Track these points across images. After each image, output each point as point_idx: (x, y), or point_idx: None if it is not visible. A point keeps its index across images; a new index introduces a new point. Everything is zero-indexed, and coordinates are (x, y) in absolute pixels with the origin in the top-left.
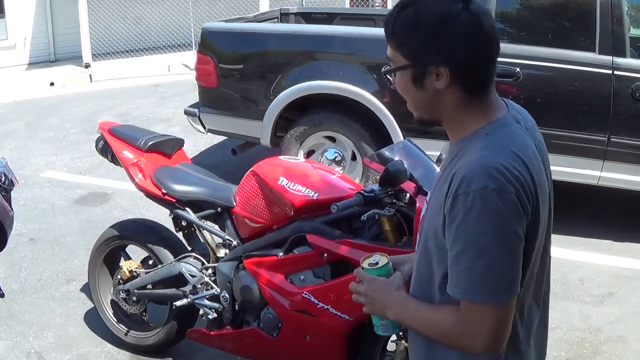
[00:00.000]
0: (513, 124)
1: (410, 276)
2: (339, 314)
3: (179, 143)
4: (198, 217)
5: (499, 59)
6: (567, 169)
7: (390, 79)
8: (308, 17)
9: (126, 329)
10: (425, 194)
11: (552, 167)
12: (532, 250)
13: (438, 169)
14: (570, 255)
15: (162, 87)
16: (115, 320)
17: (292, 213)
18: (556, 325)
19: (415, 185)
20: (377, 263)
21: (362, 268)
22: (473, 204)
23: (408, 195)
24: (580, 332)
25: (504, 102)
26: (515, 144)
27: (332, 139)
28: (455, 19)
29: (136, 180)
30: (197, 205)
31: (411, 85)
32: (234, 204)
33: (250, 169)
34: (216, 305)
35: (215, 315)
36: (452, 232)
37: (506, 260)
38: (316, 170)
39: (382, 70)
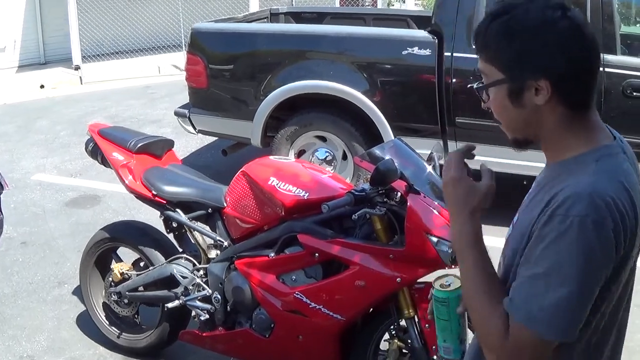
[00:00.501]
0: (620, 154)
1: None
2: (331, 313)
3: (169, 144)
4: (189, 218)
5: None
6: None
7: (483, 96)
8: (298, 16)
9: (118, 332)
10: (417, 192)
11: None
12: (611, 292)
13: (429, 168)
14: None
15: (152, 89)
16: (108, 322)
17: (283, 213)
18: None
19: (406, 184)
20: (449, 285)
21: (433, 288)
22: (569, 230)
23: (399, 194)
24: None
25: (608, 129)
26: (624, 176)
27: (323, 139)
28: (554, 26)
29: (126, 181)
30: (187, 206)
31: (507, 102)
32: (225, 204)
33: (241, 170)
34: (208, 306)
35: (207, 316)
36: (537, 251)
37: (581, 299)
38: (307, 170)
39: (475, 87)
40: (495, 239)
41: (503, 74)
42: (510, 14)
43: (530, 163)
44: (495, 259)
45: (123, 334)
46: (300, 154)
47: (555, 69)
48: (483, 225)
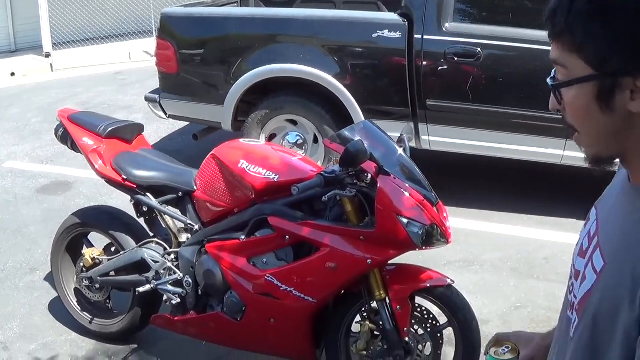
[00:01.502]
0: None
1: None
2: (302, 296)
3: (138, 128)
4: (159, 202)
5: (460, 40)
6: (531, 149)
7: (556, 96)
8: (268, 0)
9: (90, 317)
10: (387, 173)
11: (516, 147)
12: None
13: (400, 151)
14: (535, 235)
15: (123, 75)
16: (79, 308)
17: (253, 196)
18: (521, 304)
19: (376, 165)
20: (504, 354)
21: (487, 353)
22: None
23: (369, 175)
24: (546, 310)
25: None
26: None
27: (294, 122)
28: None
29: (96, 166)
30: (158, 190)
31: (595, 106)
32: (195, 188)
33: (211, 153)
34: (179, 290)
35: (178, 300)
36: None
37: None
38: (277, 152)
39: (550, 83)
40: (478, 223)
41: (593, 69)
42: None
43: (502, 145)
44: (482, 246)
45: (95, 319)
46: (271, 137)
47: None
48: (467, 209)
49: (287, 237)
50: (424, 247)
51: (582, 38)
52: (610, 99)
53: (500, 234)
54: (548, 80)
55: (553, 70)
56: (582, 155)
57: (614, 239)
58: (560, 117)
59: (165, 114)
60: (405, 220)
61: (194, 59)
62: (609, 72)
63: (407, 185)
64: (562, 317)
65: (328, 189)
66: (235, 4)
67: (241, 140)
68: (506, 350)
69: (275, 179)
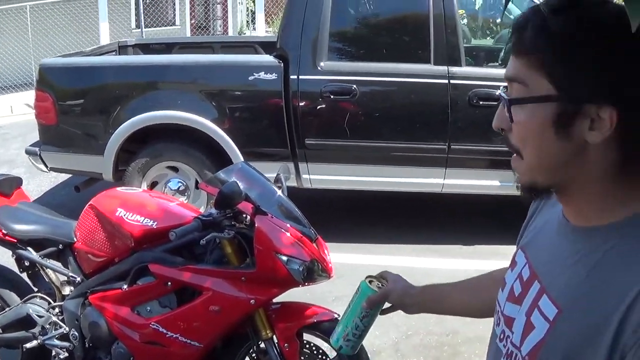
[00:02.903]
0: None
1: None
2: (188, 341)
3: (17, 182)
4: (40, 256)
5: (335, 77)
6: (411, 180)
7: (509, 113)
8: (146, 48)
9: None
10: (264, 213)
11: (396, 179)
12: None
13: (279, 192)
14: (422, 263)
15: (4, 129)
16: None
17: (133, 244)
18: (413, 332)
19: (253, 205)
20: (372, 283)
21: (364, 280)
22: None
23: (247, 216)
24: (438, 336)
25: None
26: None
27: (175, 169)
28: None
29: None
30: (38, 243)
31: (549, 129)
32: (75, 239)
33: (89, 203)
34: (66, 344)
35: (66, 354)
36: None
37: None
38: (154, 199)
39: (502, 95)
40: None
41: (556, 90)
42: (584, 6)
43: (382, 179)
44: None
45: None
46: (153, 185)
47: (635, 97)
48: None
49: (169, 283)
50: (306, 283)
51: (552, 59)
52: (569, 125)
53: (387, 266)
54: (502, 93)
55: (503, 87)
56: (463, 182)
57: (566, 285)
58: (502, 137)
59: (47, 166)
60: (284, 258)
61: (73, 110)
62: (574, 97)
63: (285, 223)
64: None
65: (206, 232)
66: (114, 53)
67: (118, 188)
68: (380, 284)
69: (154, 226)
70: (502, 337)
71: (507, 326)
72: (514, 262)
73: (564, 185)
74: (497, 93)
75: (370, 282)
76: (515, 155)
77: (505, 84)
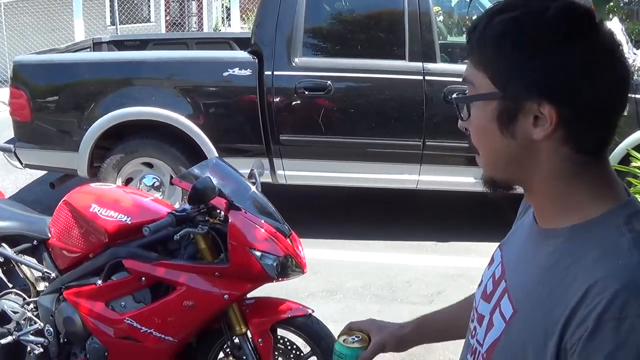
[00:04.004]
0: None
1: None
2: (162, 336)
3: None
4: (15, 252)
5: (310, 74)
6: (386, 176)
7: (461, 112)
8: (121, 44)
9: None
10: (237, 208)
11: (371, 175)
12: None
13: (253, 188)
14: (396, 259)
15: None
16: None
17: (107, 239)
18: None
19: (226, 201)
20: (353, 342)
21: (337, 341)
22: (631, 335)
23: (221, 211)
24: None
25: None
26: None
27: (150, 165)
28: (584, 38)
29: None
30: (12, 240)
31: (494, 126)
32: (49, 235)
33: (63, 199)
34: (41, 340)
35: (41, 350)
36: None
37: None
38: (128, 194)
39: (453, 97)
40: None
41: (495, 87)
42: (522, 10)
43: (357, 175)
44: (344, 275)
45: None
46: (128, 181)
47: (571, 94)
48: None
49: (144, 278)
50: (279, 279)
51: (491, 55)
52: (512, 122)
53: (361, 262)
54: (454, 95)
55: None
56: (437, 178)
57: (523, 286)
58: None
59: (21, 163)
60: (258, 253)
61: (48, 107)
62: (511, 94)
63: (259, 218)
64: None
65: (180, 227)
66: (88, 49)
67: (92, 184)
68: (356, 339)
69: (128, 221)
70: (473, 333)
71: (478, 323)
72: (492, 260)
73: (524, 182)
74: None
75: (344, 340)
76: (477, 153)
77: None
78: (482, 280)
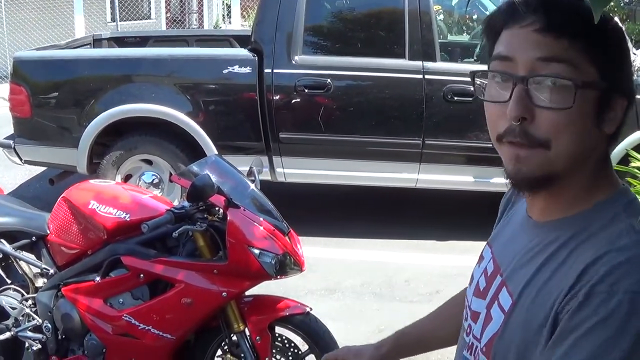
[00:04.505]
0: (635, 195)
1: None
2: (161, 333)
3: None
4: (14, 248)
5: (310, 72)
6: (385, 175)
7: (574, 97)
8: (121, 41)
9: None
10: (236, 206)
11: (370, 174)
12: None
13: (252, 186)
14: (395, 258)
15: None
16: None
17: (105, 236)
18: (385, 326)
19: (225, 198)
20: None
21: None
22: (615, 313)
23: (220, 209)
24: None
25: None
26: None
27: (149, 162)
28: (624, 35)
29: None
30: (11, 236)
31: (591, 116)
32: (48, 231)
33: (62, 195)
34: (39, 336)
35: (39, 346)
36: (570, 340)
37: None
38: (127, 191)
39: (547, 74)
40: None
41: (599, 77)
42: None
43: (357, 173)
44: (343, 273)
45: None
46: (127, 178)
47: (631, 89)
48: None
49: (142, 275)
50: (278, 277)
51: (593, 44)
52: (605, 113)
53: (360, 260)
54: (548, 80)
55: (523, 70)
56: (437, 177)
57: (522, 278)
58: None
59: (21, 159)
60: (257, 251)
61: (48, 103)
62: (613, 86)
63: (258, 216)
64: (457, 358)
65: (179, 224)
66: (88, 46)
67: (91, 181)
68: None
69: (126, 218)
70: (468, 330)
71: (472, 320)
72: (481, 257)
73: (571, 177)
74: (541, 74)
75: None
76: (529, 147)
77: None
78: (472, 279)
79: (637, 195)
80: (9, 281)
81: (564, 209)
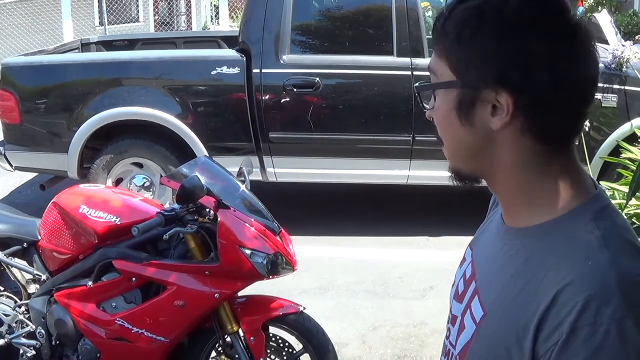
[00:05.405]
0: (610, 202)
1: None
2: (154, 336)
3: None
4: (5, 255)
5: (298, 71)
6: (376, 172)
7: (425, 102)
8: (109, 45)
9: None
10: (226, 207)
11: (361, 172)
12: None
13: (242, 187)
14: (388, 255)
15: None
16: None
17: (96, 240)
18: (379, 323)
19: (215, 199)
20: None
21: None
22: (606, 343)
23: (210, 210)
24: (405, 327)
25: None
26: (630, 233)
27: (140, 165)
28: (543, 25)
29: None
30: (2, 242)
31: (453, 114)
32: (39, 237)
33: (52, 201)
34: (34, 342)
35: (34, 352)
36: None
37: None
38: (117, 195)
39: (416, 86)
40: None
41: (455, 75)
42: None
43: (348, 171)
44: (336, 272)
45: None
46: (118, 182)
47: (528, 83)
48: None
49: (134, 279)
50: (270, 277)
51: (451, 44)
52: (470, 111)
53: (353, 258)
54: (417, 84)
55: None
56: (427, 173)
57: (492, 288)
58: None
59: (11, 165)
60: (248, 252)
61: (37, 108)
62: (469, 82)
63: (248, 216)
64: None
65: (169, 227)
66: (76, 50)
67: (81, 185)
68: None
69: (117, 222)
70: (447, 334)
71: (451, 324)
72: (463, 259)
73: (488, 175)
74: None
75: None
76: (442, 144)
77: None
78: (454, 280)
79: (611, 201)
80: (1, 288)
81: (524, 217)
